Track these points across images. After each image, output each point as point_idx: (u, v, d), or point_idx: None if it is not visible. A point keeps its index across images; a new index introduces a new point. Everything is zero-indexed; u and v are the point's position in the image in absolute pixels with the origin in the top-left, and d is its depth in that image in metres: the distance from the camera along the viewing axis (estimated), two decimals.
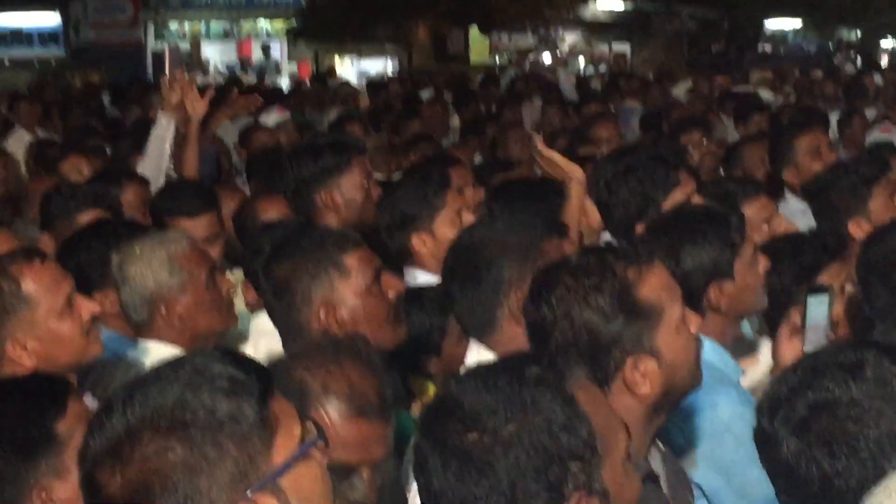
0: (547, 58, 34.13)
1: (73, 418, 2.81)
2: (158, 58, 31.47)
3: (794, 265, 4.26)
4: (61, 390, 2.89)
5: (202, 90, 7.06)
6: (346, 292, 3.57)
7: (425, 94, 16.81)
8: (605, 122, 9.08)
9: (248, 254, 4.84)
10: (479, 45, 33.18)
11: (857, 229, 4.77)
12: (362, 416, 2.69)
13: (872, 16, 36.64)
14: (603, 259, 2.93)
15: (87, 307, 3.72)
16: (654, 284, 2.93)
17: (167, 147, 7.00)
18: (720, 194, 4.85)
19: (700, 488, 3.44)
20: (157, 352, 3.85)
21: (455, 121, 13.03)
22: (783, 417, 2.30)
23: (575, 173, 5.03)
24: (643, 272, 2.92)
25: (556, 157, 5.10)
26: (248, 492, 1.89)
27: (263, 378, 1.98)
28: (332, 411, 2.65)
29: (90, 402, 3.55)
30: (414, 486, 2.36)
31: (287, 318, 3.57)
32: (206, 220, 5.41)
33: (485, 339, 3.48)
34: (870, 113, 12.34)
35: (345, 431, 2.64)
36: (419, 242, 4.73)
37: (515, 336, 3.27)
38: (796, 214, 5.83)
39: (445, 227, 4.64)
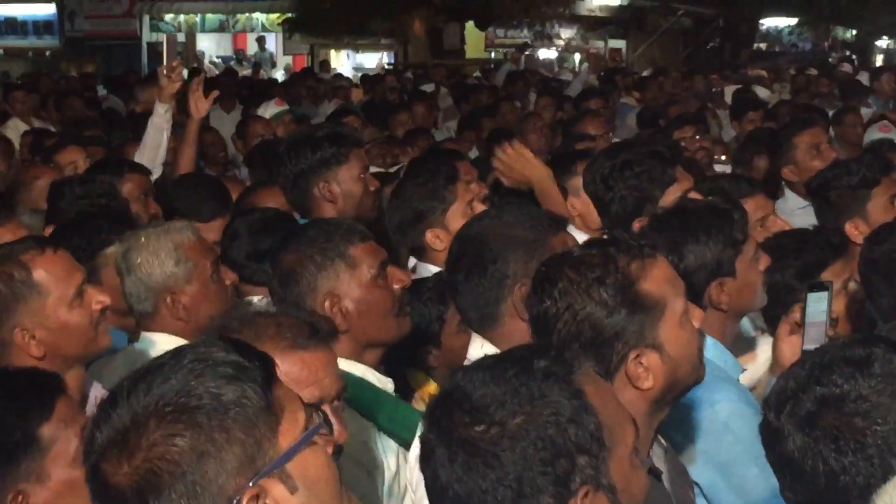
0: (543, 53, 34.12)
1: (60, 422, 2.76)
2: (154, 49, 31.41)
3: (797, 262, 4.25)
4: (50, 391, 2.83)
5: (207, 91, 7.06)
6: (351, 284, 3.58)
7: (428, 88, 16.81)
8: (593, 118, 9.11)
9: (224, 238, 4.84)
10: (474, 40, 33.17)
11: (854, 230, 4.76)
12: (300, 348, 2.73)
13: (868, 16, 36.65)
14: (606, 252, 2.92)
15: (98, 298, 3.69)
16: (657, 278, 2.92)
17: (165, 136, 7.01)
18: (718, 191, 4.83)
19: (698, 485, 3.43)
20: (163, 343, 3.83)
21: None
22: (790, 412, 2.29)
23: (539, 170, 4.99)
24: (646, 265, 2.91)
25: (525, 153, 5.08)
26: (250, 482, 1.89)
27: (266, 364, 1.98)
28: (272, 355, 2.67)
29: (100, 391, 3.53)
30: (417, 477, 2.36)
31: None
32: (220, 224, 5.40)
33: (487, 332, 3.47)
34: (865, 111, 12.34)
35: (291, 369, 2.65)
36: (433, 238, 4.72)
37: (517, 331, 3.26)
38: (795, 212, 5.84)
39: (458, 221, 4.60)
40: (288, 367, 2.65)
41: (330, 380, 2.75)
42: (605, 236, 4.45)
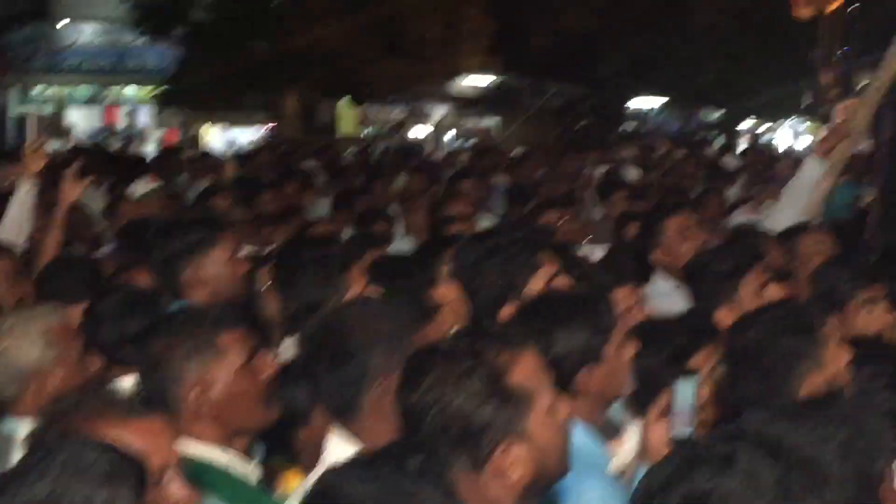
0: (417, 130, 34.38)
1: None
2: (22, 122, 31.01)
3: (666, 348, 4.29)
4: None
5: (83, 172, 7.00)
6: (219, 372, 3.54)
7: (307, 165, 16.74)
8: (463, 199, 9.17)
9: (89, 319, 4.78)
10: (348, 117, 33.31)
11: (725, 317, 4.83)
12: (135, 418, 2.72)
13: (733, 97, 37.54)
14: (475, 343, 2.93)
15: None
16: (526, 369, 2.94)
17: (28, 213, 6.93)
18: (586, 278, 4.87)
19: None
20: (28, 429, 3.75)
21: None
22: None
23: None
24: (515, 357, 2.93)
25: None
26: None
27: (137, 466, 1.95)
28: (109, 427, 2.66)
29: None
30: None
31: (159, 393, 3.51)
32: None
33: (348, 424, 3.44)
34: (732, 193, 12.62)
35: (130, 439, 2.61)
36: None
37: (379, 425, 3.26)
38: (665, 295, 5.91)
39: None
40: (127, 436, 2.63)
41: (169, 446, 2.74)
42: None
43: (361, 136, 32.26)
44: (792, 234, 6.45)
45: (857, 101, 7.70)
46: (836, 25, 27.30)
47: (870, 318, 4.92)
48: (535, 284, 4.50)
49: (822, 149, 7.34)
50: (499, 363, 2.89)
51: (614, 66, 33.49)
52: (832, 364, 3.80)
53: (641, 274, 6.01)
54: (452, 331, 4.63)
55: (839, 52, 26.74)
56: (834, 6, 26.70)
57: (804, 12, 27.09)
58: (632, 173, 15.64)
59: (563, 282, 4.56)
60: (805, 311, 4.02)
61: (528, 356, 2.98)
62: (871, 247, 7.82)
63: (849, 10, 26.26)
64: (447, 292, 5.11)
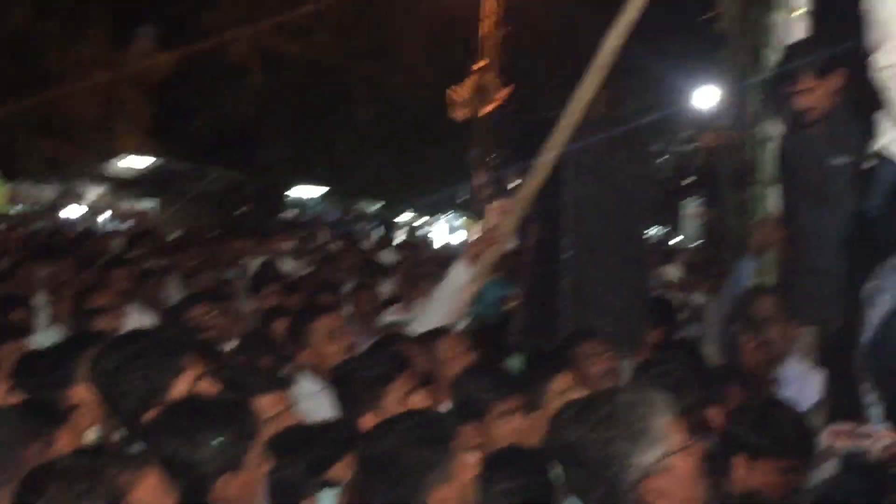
0: (71, 211, 33.40)
1: None
2: None
3: (307, 457, 4.25)
4: None
5: None
6: None
7: None
8: (108, 288, 8.89)
9: None
10: None
11: (371, 424, 4.81)
12: None
13: (392, 190, 38.28)
14: (95, 462, 2.86)
15: None
16: (148, 488, 2.89)
17: None
18: (231, 383, 4.76)
19: None
20: None
21: None
22: None
23: None
24: (136, 476, 2.86)
25: None
26: None
27: None
28: None
29: None
30: None
31: None
32: None
33: None
34: (386, 288, 12.74)
35: None
36: None
37: None
38: (312, 398, 5.86)
39: None
40: None
41: None
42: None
43: (10, 214, 31.05)
44: (432, 338, 6.48)
45: (508, 202, 7.86)
46: (490, 129, 28.28)
47: (507, 428, 5.01)
48: (179, 388, 4.37)
49: (470, 254, 7.49)
50: (119, 483, 2.81)
51: (275, 154, 33.64)
52: (461, 476, 3.85)
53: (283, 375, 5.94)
54: (88, 435, 4.48)
55: (493, 153, 27.70)
56: (487, 110, 27.70)
57: (460, 114, 28.01)
58: (288, 264, 15.61)
59: (207, 385, 4.45)
60: (438, 421, 4.06)
61: (151, 473, 2.91)
62: (515, 349, 8.00)
63: (502, 114, 27.28)
64: (83, 394, 4.89)
